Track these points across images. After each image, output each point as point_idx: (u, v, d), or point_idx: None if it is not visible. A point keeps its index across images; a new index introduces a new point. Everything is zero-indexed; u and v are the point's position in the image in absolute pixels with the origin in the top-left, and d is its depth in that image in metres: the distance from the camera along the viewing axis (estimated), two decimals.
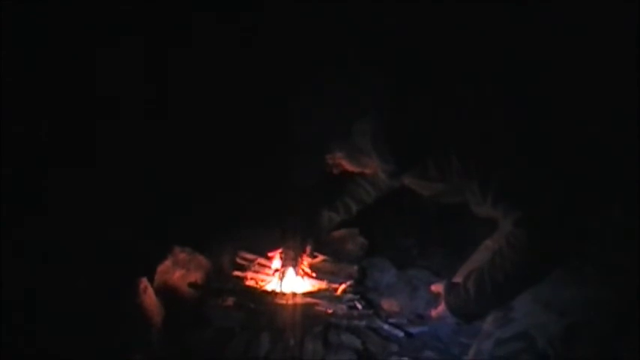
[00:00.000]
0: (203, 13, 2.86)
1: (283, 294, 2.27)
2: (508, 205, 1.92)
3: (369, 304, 2.27)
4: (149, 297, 2.12)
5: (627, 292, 1.86)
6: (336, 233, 2.64)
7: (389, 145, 1.93)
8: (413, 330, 2.15)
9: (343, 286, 2.30)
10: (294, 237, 2.42)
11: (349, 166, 2.09)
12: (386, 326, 2.15)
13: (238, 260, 2.47)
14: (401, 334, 2.12)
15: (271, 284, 2.36)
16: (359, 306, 2.22)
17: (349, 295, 2.26)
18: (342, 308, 2.20)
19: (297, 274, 2.37)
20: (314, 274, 2.40)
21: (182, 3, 2.85)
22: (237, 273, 2.40)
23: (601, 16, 2.35)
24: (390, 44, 2.20)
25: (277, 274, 2.38)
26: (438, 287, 2.15)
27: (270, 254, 2.47)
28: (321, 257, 2.48)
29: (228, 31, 2.87)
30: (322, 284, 2.34)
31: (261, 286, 2.34)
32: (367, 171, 2.15)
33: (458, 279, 2.13)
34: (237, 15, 2.88)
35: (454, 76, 2.01)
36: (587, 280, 1.90)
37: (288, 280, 2.35)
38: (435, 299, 2.16)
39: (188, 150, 2.83)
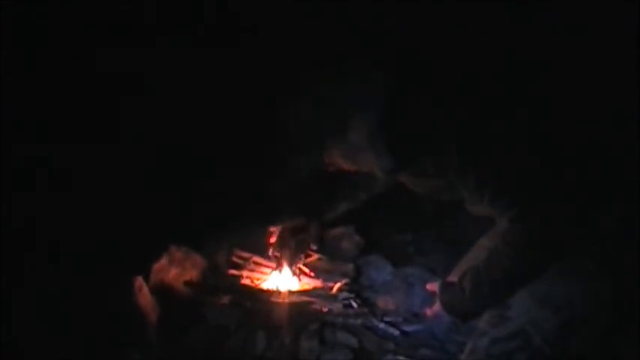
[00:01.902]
0: (203, 13, 2.86)
1: (279, 292, 2.28)
2: (505, 202, 1.91)
3: (365, 302, 2.27)
4: (145, 296, 2.13)
5: (626, 288, 1.85)
6: (332, 231, 2.64)
7: (387, 143, 1.92)
8: (409, 328, 2.15)
9: (339, 285, 2.31)
10: (290, 235, 2.42)
11: (345, 165, 2.08)
12: (382, 324, 2.15)
13: (234, 259, 2.47)
14: (397, 332, 2.12)
15: (267, 282, 2.36)
16: (354, 304, 2.22)
17: (345, 294, 2.26)
18: (338, 306, 2.20)
19: (292, 272, 2.37)
20: (309, 273, 2.39)
21: (182, 3, 2.86)
22: (232, 271, 2.41)
23: (601, 16, 2.34)
24: (390, 44, 2.20)
25: (273, 272, 2.39)
26: (433, 286, 2.14)
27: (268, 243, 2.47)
28: (316, 255, 2.48)
29: (227, 31, 2.87)
30: (318, 282, 2.35)
31: (256, 285, 2.35)
32: (364, 169, 2.14)
33: (453, 277, 2.13)
34: (237, 15, 2.88)
35: (454, 75, 2.00)
36: (585, 277, 1.89)
37: (284, 279, 2.35)
38: (430, 298, 2.16)
39: (184, 148, 2.83)
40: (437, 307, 2.03)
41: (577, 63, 2.22)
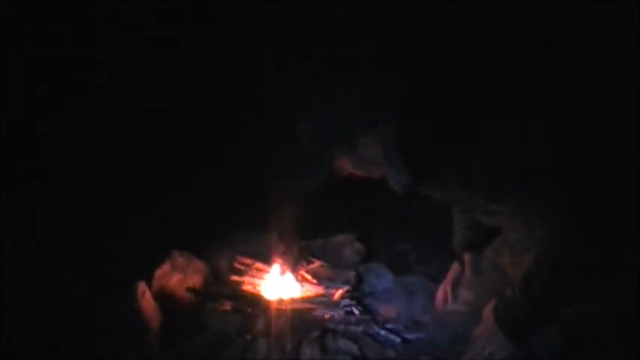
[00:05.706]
0: (204, 14, 2.85)
1: (281, 299, 2.28)
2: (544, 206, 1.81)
3: (366, 309, 2.27)
4: (147, 301, 2.13)
5: (630, 303, 1.84)
6: (334, 239, 2.64)
7: (401, 155, 1.84)
8: (409, 336, 2.15)
9: (340, 292, 2.31)
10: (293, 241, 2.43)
11: (356, 172, 1.99)
12: (383, 332, 2.15)
13: (236, 265, 2.48)
14: (397, 340, 2.11)
15: (269, 289, 2.36)
16: (356, 312, 2.22)
17: (346, 301, 2.27)
18: (339, 314, 2.20)
19: (294, 279, 2.38)
20: (311, 280, 2.40)
21: (183, 4, 2.84)
22: (234, 278, 2.41)
23: (601, 16, 2.35)
24: (403, 49, 2.17)
25: (275, 278, 2.39)
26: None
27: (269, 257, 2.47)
28: (318, 263, 2.49)
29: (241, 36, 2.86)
30: (319, 290, 2.35)
31: (258, 291, 2.35)
32: (375, 176, 2.05)
33: (446, 286, 2.14)
34: (238, 16, 2.87)
35: (471, 80, 1.94)
36: (590, 291, 1.87)
37: (285, 285, 2.36)
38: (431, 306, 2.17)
39: (187, 153, 2.83)
40: (485, 327, 1.92)
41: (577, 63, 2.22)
